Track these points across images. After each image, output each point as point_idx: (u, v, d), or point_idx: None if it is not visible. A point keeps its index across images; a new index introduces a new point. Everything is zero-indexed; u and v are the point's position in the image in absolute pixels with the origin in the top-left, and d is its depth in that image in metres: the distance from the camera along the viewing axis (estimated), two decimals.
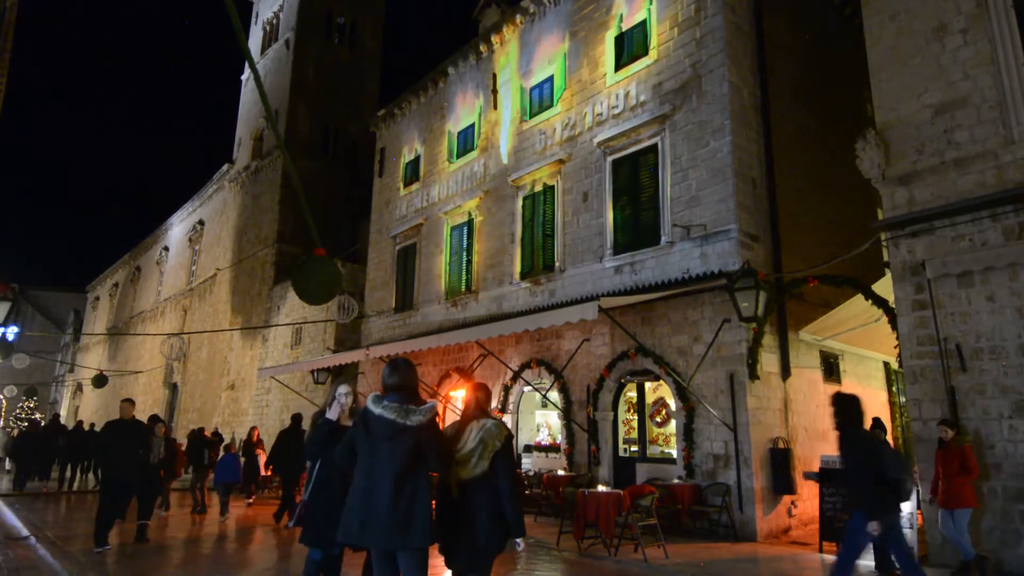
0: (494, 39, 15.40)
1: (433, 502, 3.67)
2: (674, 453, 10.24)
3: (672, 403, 10.38)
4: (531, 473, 12.17)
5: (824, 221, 11.48)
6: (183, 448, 12.79)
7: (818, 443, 10.29)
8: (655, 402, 10.97)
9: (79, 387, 40.76)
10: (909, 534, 7.46)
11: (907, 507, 7.52)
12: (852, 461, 5.13)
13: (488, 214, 14.67)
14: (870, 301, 8.81)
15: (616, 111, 11.91)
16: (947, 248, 7.49)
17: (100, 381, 22.91)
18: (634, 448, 10.96)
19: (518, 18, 14.79)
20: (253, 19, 29.38)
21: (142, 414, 11.32)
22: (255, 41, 28.52)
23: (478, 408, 4.02)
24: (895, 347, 8.15)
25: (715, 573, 7.08)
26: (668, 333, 10.33)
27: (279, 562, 7.77)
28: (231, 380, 24.16)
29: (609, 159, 11.88)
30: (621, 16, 12.27)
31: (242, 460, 12.86)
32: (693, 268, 10.07)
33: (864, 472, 4.94)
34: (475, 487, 3.76)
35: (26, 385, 43.50)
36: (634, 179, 11.45)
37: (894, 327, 8.21)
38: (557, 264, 12.53)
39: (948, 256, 7.38)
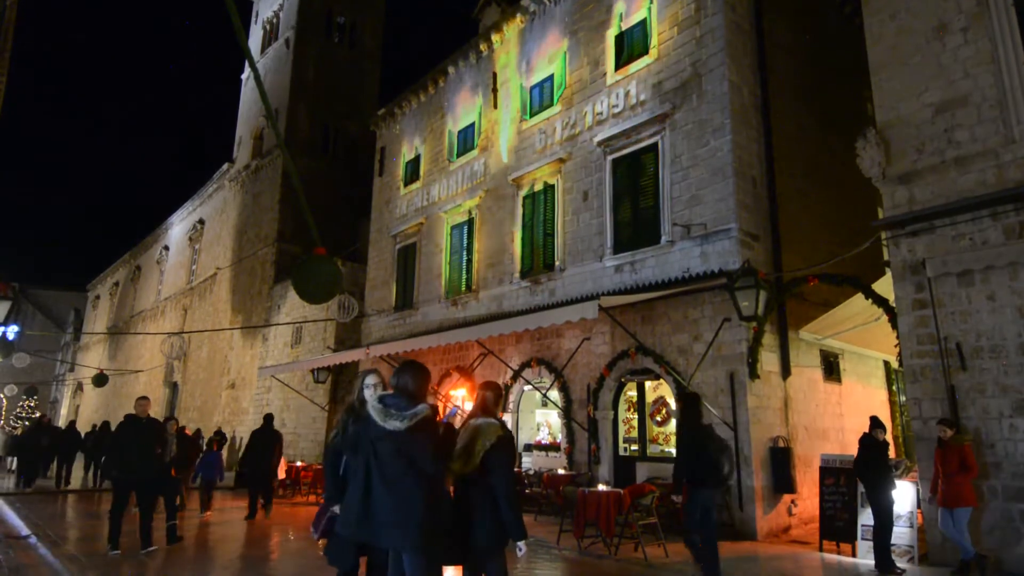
0: (494, 38, 15.39)
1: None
2: (674, 452, 10.24)
3: (672, 402, 10.39)
4: (531, 472, 12.18)
5: (824, 220, 11.48)
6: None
7: (818, 442, 10.30)
8: (655, 401, 10.97)
9: (79, 386, 40.79)
10: (909, 533, 7.49)
11: (907, 506, 7.54)
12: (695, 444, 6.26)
13: (488, 213, 14.67)
14: (870, 300, 8.80)
15: (616, 110, 11.91)
16: (947, 247, 7.49)
17: (100, 380, 22.91)
18: (634, 447, 10.97)
19: (518, 17, 14.78)
20: (253, 18, 29.35)
21: None
22: (255, 40, 28.50)
23: (480, 407, 4.02)
24: (895, 346, 8.14)
25: None
26: (668, 332, 10.33)
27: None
28: (231, 379, 24.17)
29: (609, 158, 11.87)
30: (621, 15, 12.26)
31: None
32: (693, 267, 10.07)
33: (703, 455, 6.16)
34: (473, 486, 3.77)
35: (26, 384, 43.49)
36: (634, 178, 11.44)
37: (894, 326, 8.21)
38: (557, 263, 12.53)
39: (948, 255, 7.38)
